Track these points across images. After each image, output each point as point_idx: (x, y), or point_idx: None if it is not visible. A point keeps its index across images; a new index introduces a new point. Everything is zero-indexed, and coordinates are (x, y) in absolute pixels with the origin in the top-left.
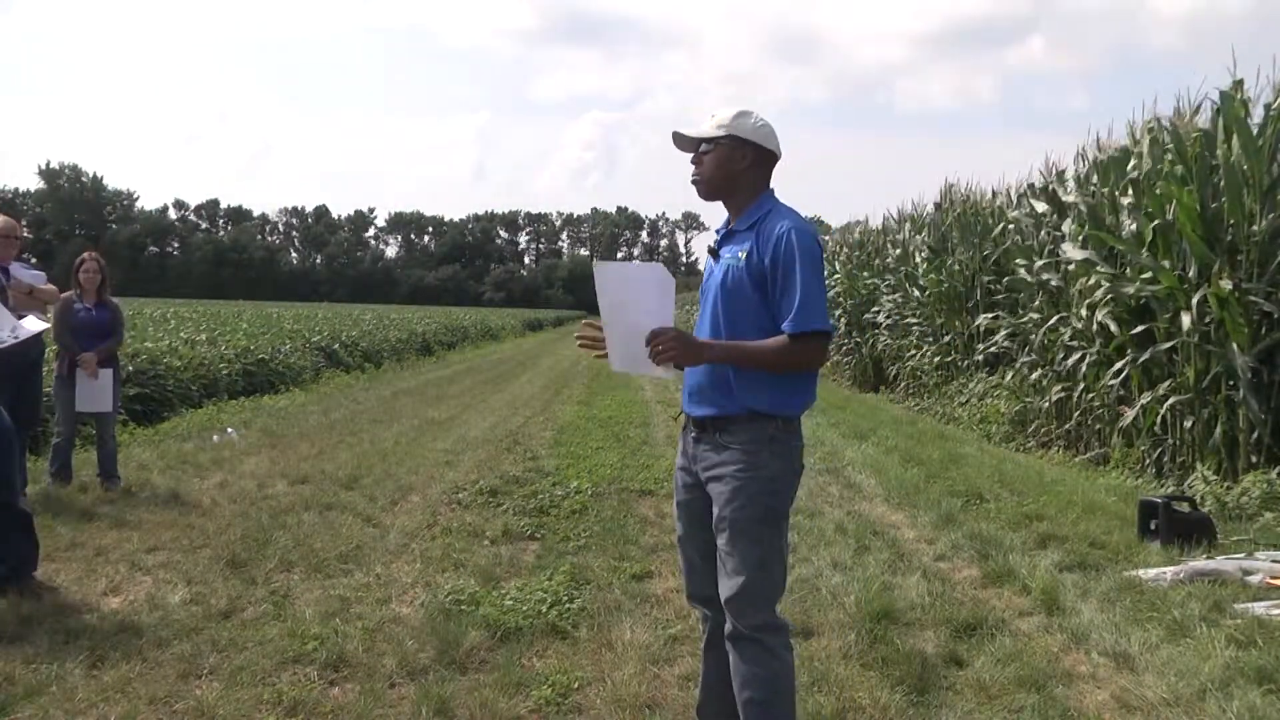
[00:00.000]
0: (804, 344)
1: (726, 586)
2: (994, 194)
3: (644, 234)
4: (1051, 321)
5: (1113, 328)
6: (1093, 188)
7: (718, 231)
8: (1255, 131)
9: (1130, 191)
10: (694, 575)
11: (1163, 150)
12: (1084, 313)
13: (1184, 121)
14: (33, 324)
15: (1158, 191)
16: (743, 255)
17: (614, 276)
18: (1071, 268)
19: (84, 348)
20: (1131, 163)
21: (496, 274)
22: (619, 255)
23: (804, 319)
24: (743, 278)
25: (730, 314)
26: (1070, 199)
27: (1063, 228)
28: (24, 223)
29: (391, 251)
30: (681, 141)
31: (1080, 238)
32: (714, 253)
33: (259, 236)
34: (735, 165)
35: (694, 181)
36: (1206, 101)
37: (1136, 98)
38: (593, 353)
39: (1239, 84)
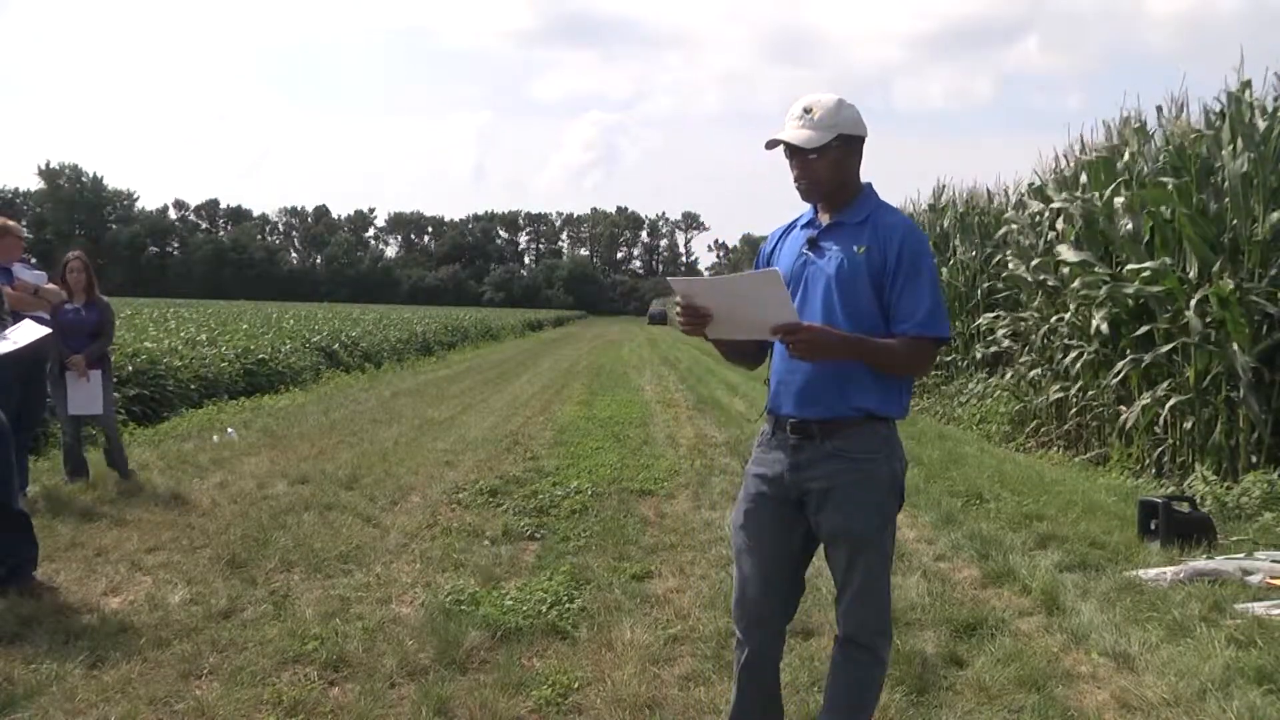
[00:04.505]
0: (929, 348)
1: (851, 597)
2: (989, 195)
3: (644, 234)
4: (1051, 322)
5: (1103, 326)
6: (1082, 188)
7: (808, 224)
8: (1261, 134)
9: (1124, 192)
10: (751, 593)
11: (1158, 150)
12: (1083, 312)
13: (1175, 122)
14: (27, 331)
15: (1153, 193)
16: (860, 250)
17: (716, 288)
18: (1068, 271)
19: (71, 349)
20: (1121, 163)
21: (496, 274)
22: (619, 255)
23: (936, 324)
24: (861, 272)
25: (849, 306)
26: (1060, 203)
27: (1056, 226)
28: (24, 222)
29: (391, 251)
30: (785, 146)
31: (1073, 237)
32: (814, 244)
33: (259, 236)
34: (848, 164)
35: (802, 187)
36: (1192, 101)
37: (1132, 97)
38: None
39: (1247, 84)
